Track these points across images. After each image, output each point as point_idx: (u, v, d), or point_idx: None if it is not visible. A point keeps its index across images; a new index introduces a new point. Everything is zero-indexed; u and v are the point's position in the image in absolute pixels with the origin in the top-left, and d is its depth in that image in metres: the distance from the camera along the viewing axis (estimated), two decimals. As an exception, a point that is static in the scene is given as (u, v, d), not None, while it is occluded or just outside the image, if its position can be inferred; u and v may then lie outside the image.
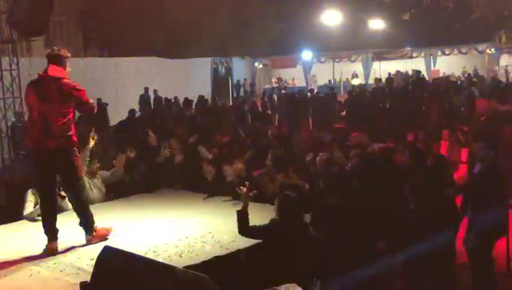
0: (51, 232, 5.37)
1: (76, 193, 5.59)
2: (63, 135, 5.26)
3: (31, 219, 6.36)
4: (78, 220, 5.60)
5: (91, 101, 5.57)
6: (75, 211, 5.61)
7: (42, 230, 5.78)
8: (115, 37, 25.18)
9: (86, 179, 6.91)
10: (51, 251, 5.24)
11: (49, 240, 5.34)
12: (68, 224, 6.15)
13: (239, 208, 5.03)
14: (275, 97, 20.18)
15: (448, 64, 29.85)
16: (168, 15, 24.23)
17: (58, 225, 5.59)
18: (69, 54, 5.54)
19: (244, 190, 5.08)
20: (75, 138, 5.40)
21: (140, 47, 23.23)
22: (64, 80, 5.32)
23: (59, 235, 5.50)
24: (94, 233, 5.51)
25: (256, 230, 4.91)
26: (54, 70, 5.33)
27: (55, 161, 5.32)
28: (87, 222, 5.53)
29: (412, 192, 5.38)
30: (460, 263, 5.77)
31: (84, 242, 5.47)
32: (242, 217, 4.92)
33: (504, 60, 28.80)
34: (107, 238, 5.51)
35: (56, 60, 5.39)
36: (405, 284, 5.52)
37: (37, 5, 11.05)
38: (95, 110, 5.82)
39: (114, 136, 12.11)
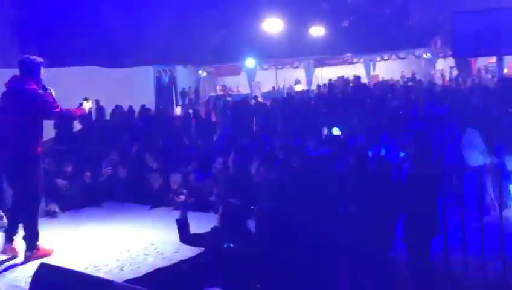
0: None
1: (28, 204, 5.30)
2: (19, 146, 5.12)
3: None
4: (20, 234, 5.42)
5: (60, 110, 5.31)
6: (22, 224, 5.36)
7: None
8: (53, 47, 24.60)
9: None
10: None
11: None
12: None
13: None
14: (220, 105, 20.15)
15: (387, 69, 30.63)
16: (108, 24, 23.89)
17: None
18: (40, 60, 5.35)
19: (182, 197, 5.08)
20: (34, 148, 5.19)
21: (80, 57, 22.78)
22: (28, 90, 5.13)
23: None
24: (35, 251, 5.27)
25: (197, 237, 4.90)
26: (17, 80, 5.20)
27: (12, 170, 5.23)
28: (31, 238, 5.29)
29: (355, 194, 5.47)
30: (399, 261, 5.96)
31: (22, 259, 5.29)
32: (182, 225, 4.90)
33: (440, 64, 29.80)
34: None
35: (22, 67, 5.23)
36: (349, 284, 5.62)
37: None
38: (75, 115, 5.70)
39: (52, 149, 11.84)
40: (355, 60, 30.24)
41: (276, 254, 4.99)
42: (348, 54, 30.18)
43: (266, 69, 31.69)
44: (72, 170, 7.75)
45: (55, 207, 6.90)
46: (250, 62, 30.04)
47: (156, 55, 27.28)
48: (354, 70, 29.34)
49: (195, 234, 4.92)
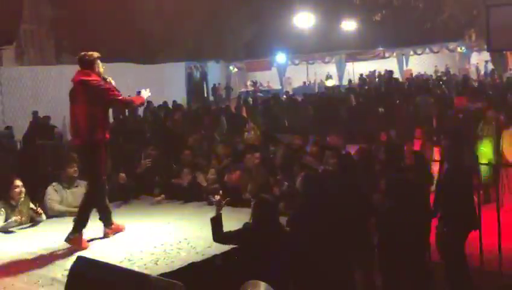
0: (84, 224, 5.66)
1: (99, 186, 5.79)
2: (88, 134, 5.56)
3: (3, 231, 6.28)
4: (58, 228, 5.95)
5: (120, 98, 5.74)
6: (96, 207, 5.86)
7: (15, 242, 5.78)
8: (88, 44, 24.98)
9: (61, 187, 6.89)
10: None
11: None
12: (42, 235, 6.13)
13: (214, 214, 5.03)
14: (250, 100, 20.18)
15: (420, 63, 30.25)
16: (141, 21, 24.11)
17: (33, 237, 5.80)
18: (96, 55, 5.74)
19: (218, 197, 5.09)
20: (100, 136, 5.61)
21: (113, 53, 23.02)
22: (90, 82, 5.57)
23: (36, 246, 5.59)
24: (111, 226, 5.88)
25: (230, 236, 4.91)
26: (81, 73, 5.64)
27: (81, 157, 5.88)
28: (105, 217, 5.87)
29: (389, 190, 5.40)
30: (435, 261, 5.87)
31: (62, 254, 5.40)
32: (215, 225, 4.91)
33: (474, 57, 29.30)
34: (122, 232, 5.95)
35: (82, 63, 5.69)
36: (383, 280, 5.56)
37: (5, 14, 10.92)
38: (135, 104, 6.06)
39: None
40: (387, 54, 29.93)
41: (309, 250, 4.98)
42: (380, 48, 29.87)
43: (297, 64, 31.61)
44: (110, 163, 7.80)
45: None
46: (281, 57, 30.00)
47: (187, 51, 27.43)
48: (386, 64, 29.07)
49: (228, 233, 4.91)
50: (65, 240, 5.51)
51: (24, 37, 23.92)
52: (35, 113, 14.50)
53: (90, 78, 5.58)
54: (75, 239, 5.52)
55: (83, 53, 5.74)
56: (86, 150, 5.66)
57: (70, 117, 5.79)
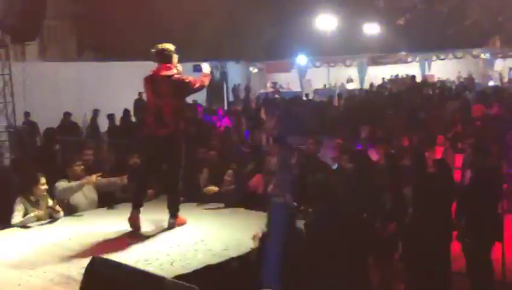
0: (138, 205, 5.98)
1: (174, 181, 6.11)
2: (174, 125, 5.88)
3: (21, 227, 6.29)
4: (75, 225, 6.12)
5: (198, 85, 6.00)
6: (169, 195, 6.18)
7: (32, 238, 5.78)
8: (109, 41, 25.06)
9: (72, 184, 6.88)
10: (135, 223, 5.90)
11: (134, 212, 5.94)
12: (60, 232, 6.12)
13: (233, 215, 4.97)
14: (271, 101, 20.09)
15: (443, 69, 29.91)
16: (162, 19, 24.18)
17: (50, 233, 5.87)
18: (172, 48, 5.98)
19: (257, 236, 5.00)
20: (182, 126, 6.00)
21: (135, 51, 23.11)
22: (174, 77, 5.85)
23: (53, 243, 5.63)
24: (177, 218, 6.09)
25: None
26: (163, 68, 5.89)
27: (164, 147, 5.93)
28: (174, 208, 6.10)
29: (415, 195, 5.29)
30: (457, 270, 5.75)
31: (78, 252, 5.37)
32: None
33: (498, 64, 28.89)
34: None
35: (162, 57, 5.92)
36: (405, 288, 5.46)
37: (29, 9, 10.98)
38: (205, 83, 6.17)
39: (111, 143, 12.08)
40: (409, 59, 29.63)
41: (324, 255, 4.88)
42: (403, 53, 29.59)
43: (318, 67, 31.43)
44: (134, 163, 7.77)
45: None
46: (301, 59, 29.83)
47: (208, 51, 27.43)
48: (408, 69, 28.79)
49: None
50: (169, 226, 5.98)
51: (47, 32, 24.11)
52: (66, 114, 14.58)
53: (173, 73, 5.87)
54: (176, 220, 6.04)
55: (160, 47, 5.94)
56: (172, 139, 5.92)
57: (151, 109, 6.01)
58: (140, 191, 6.20)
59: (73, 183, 6.87)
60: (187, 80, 5.93)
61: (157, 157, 6.10)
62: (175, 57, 6.00)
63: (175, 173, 6.12)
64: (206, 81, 6.21)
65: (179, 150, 6.02)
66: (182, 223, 6.15)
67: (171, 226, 6.04)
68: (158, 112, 5.91)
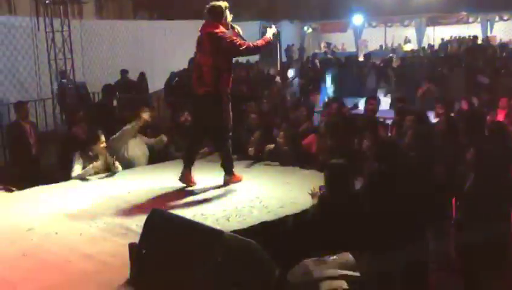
0: (189, 164, 6.05)
1: (220, 140, 6.11)
2: (213, 84, 5.75)
3: (81, 179, 6.46)
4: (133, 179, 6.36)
5: (244, 47, 5.78)
6: (221, 153, 6.21)
7: (92, 190, 5.94)
8: (164, 2, 25.12)
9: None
10: (187, 180, 6.00)
11: (186, 170, 6.01)
12: (118, 185, 6.26)
13: (288, 174, 4.90)
14: (317, 62, 19.65)
15: (507, 30, 28.63)
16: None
17: (109, 186, 6.05)
18: (223, 6, 5.82)
19: (316, 194, 4.91)
20: (225, 87, 5.83)
21: (190, 11, 23.09)
22: (215, 34, 5.70)
23: (111, 195, 5.79)
24: (232, 175, 6.12)
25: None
26: (208, 25, 5.78)
27: (203, 106, 5.89)
28: (228, 165, 6.14)
29: (478, 163, 5.06)
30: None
31: (139, 204, 5.49)
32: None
33: None
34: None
35: (212, 15, 5.79)
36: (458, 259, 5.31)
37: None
38: (260, 48, 6.01)
39: (166, 100, 12.22)
40: (470, 19, 28.47)
41: (381, 216, 4.78)
42: (463, 13, 28.42)
43: (374, 27, 30.62)
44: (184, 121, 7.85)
45: None
46: (357, 19, 29.08)
47: (261, 11, 27.12)
48: (469, 30, 27.70)
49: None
50: (225, 183, 6.06)
51: (103, -9, 24.37)
52: (123, 71, 14.66)
53: (216, 30, 5.70)
54: (232, 177, 6.10)
55: (211, 4, 5.82)
56: (211, 99, 5.83)
57: (195, 67, 6.06)
58: (191, 149, 6.19)
59: (124, 129, 7.06)
60: (229, 40, 5.72)
61: (200, 116, 6.06)
62: (227, 16, 5.85)
63: (220, 133, 6.05)
64: (262, 45, 5.99)
65: (220, 110, 5.86)
66: (238, 181, 6.15)
67: (226, 183, 6.06)
68: (199, 70, 5.89)
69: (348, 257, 3.70)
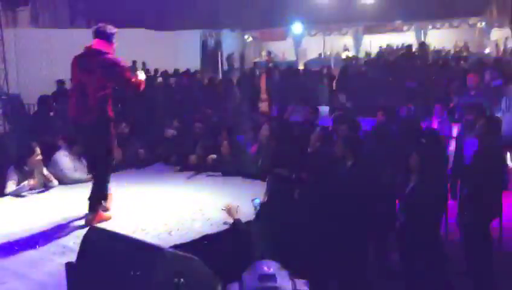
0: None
1: (102, 170, 5.47)
2: (98, 108, 5.22)
3: (15, 196, 6.23)
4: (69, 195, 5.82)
5: (134, 79, 5.44)
6: (94, 185, 5.44)
7: (26, 207, 5.72)
8: (102, 8, 24.68)
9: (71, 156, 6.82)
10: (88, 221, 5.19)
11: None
12: (54, 201, 6.07)
13: (229, 185, 4.89)
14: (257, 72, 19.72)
15: (439, 38, 29.69)
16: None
17: (45, 202, 5.79)
18: (115, 30, 5.45)
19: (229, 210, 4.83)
20: (110, 114, 5.35)
21: (128, 19, 22.79)
22: (108, 55, 5.29)
23: (47, 212, 5.57)
24: (96, 214, 5.30)
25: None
26: (99, 44, 5.31)
27: (88, 133, 5.36)
28: (95, 201, 5.37)
29: (419, 167, 5.20)
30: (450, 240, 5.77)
31: (79, 222, 5.29)
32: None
33: (494, 34, 28.68)
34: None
35: (101, 35, 5.36)
36: (400, 260, 5.43)
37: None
38: (140, 87, 5.55)
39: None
40: (405, 27, 29.39)
41: (320, 225, 4.83)
42: (399, 21, 29.33)
43: (313, 35, 31.12)
44: (128, 131, 7.75)
45: None
46: (297, 27, 29.49)
47: (203, 19, 27.06)
48: (404, 38, 28.55)
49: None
50: (86, 223, 5.17)
51: (39, -1, 23.70)
52: (60, 82, 14.16)
53: (110, 52, 5.32)
54: (95, 216, 5.28)
55: (101, 24, 5.46)
56: (94, 126, 5.28)
57: (73, 87, 5.53)
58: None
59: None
60: (122, 64, 5.37)
61: (85, 144, 5.78)
62: (114, 41, 5.45)
63: (99, 164, 5.50)
64: (139, 88, 5.52)
65: (103, 139, 5.36)
66: (104, 220, 5.32)
67: (87, 223, 5.14)
68: (81, 91, 5.33)
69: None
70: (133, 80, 5.43)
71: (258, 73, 17.97)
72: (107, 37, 5.37)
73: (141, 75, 5.67)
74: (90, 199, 5.36)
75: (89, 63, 5.28)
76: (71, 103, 5.41)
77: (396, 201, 5.42)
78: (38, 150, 6.48)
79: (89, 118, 5.23)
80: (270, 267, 2.81)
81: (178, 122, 8.45)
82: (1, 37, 11.88)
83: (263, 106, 13.50)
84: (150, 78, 15.09)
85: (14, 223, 5.37)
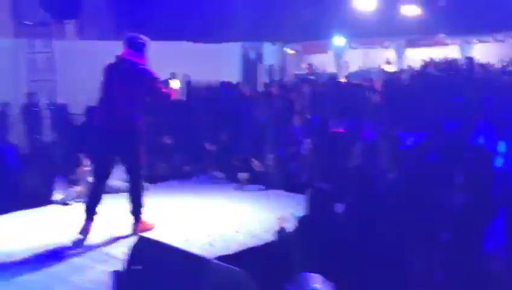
0: (90, 213, 5.31)
1: (135, 180, 5.42)
2: (126, 118, 5.21)
3: (62, 203, 6.38)
4: (124, 207, 5.49)
5: (164, 89, 5.50)
6: (130, 197, 5.43)
7: (73, 214, 5.82)
8: (142, 20, 25.16)
9: None
10: (84, 231, 5.18)
11: (86, 220, 5.26)
12: (106, 210, 6.17)
13: (271, 197, 4.90)
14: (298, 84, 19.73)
15: (485, 52, 29.12)
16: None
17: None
18: (146, 40, 5.45)
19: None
20: (140, 124, 5.30)
21: (169, 31, 23.13)
22: (139, 65, 5.30)
23: (98, 220, 5.47)
24: (140, 224, 5.36)
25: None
26: (129, 54, 5.32)
27: (117, 143, 5.25)
28: (136, 211, 5.40)
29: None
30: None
31: (120, 230, 5.34)
32: None
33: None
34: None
35: (132, 44, 5.36)
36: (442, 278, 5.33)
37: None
38: (171, 97, 5.64)
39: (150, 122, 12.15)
40: (449, 41, 28.95)
41: (365, 241, 4.79)
42: (442, 35, 28.92)
43: (355, 48, 30.97)
44: (170, 143, 7.86)
45: None
46: (339, 40, 29.43)
47: (244, 32, 27.25)
48: (447, 52, 28.14)
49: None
50: (132, 232, 5.27)
51: (85, 11, 24.27)
52: None
53: (141, 63, 5.33)
54: (139, 225, 5.35)
55: (134, 34, 5.47)
56: (124, 134, 5.28)
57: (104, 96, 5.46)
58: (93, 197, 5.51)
59: None
60: (154, 75, 5.39)
61: (109, 154, 5.48)
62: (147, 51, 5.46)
63: (132, 175, 5.47)
64: (169, 98, 5.62)
65: (134, 149, 5.37)
66: (148, 229, 5.37)
67: (133, 232, 5.28)
68: (111, 101, 5.34)
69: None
70: (164, 90, 5.47)
71: (299, 85, 17.99)
72: (138, 47, 5.37)
73: (174, 84, 5.73)
74: (130, 209, 5.39)
75: (119, 72, 5.30)
76: (100, 112, 5.40)
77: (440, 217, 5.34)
78: (85, 162, 6.62)
79: (117, 128, 5.22)
80: (315, 280, 2.82)
81: (224, 135, 8.50)
82: (50, 48, 12.22)
83: (303, 119, 13.45)
84: (194, 90, 15.28)
85: (59, 230, 5.48)
